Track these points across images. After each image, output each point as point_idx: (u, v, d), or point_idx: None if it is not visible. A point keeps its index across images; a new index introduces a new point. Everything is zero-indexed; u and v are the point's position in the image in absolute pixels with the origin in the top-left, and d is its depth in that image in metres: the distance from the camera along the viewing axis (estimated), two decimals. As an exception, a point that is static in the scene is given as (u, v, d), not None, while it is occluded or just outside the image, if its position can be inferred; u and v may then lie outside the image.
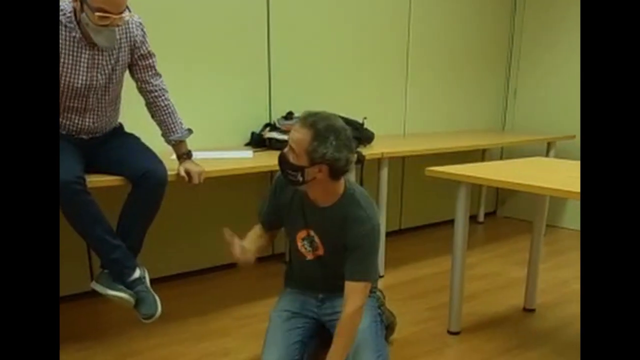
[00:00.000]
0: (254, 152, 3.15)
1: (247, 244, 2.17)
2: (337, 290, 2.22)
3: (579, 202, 4.55)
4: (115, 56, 2.23)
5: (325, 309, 2.27)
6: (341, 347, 2.03)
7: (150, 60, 2.34)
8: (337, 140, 1.93)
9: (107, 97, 2.29)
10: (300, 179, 1.99)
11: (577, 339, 2.63)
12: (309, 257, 2.23)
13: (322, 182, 2.01)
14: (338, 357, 2.02)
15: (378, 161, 3.32)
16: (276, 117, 3.45)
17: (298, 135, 1.94)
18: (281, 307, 2.31)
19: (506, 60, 5.03)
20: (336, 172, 1.99)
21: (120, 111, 2.47)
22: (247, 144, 3.44)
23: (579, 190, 2.09)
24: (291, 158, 1.98)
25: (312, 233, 2.18)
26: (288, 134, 3.15)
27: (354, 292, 2.05)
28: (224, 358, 2.41)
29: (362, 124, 3.44)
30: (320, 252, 2.20)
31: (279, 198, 2.23)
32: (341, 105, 3.68)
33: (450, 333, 2.67)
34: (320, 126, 1.92)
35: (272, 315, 2.30)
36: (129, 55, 2.29)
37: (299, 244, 2.23)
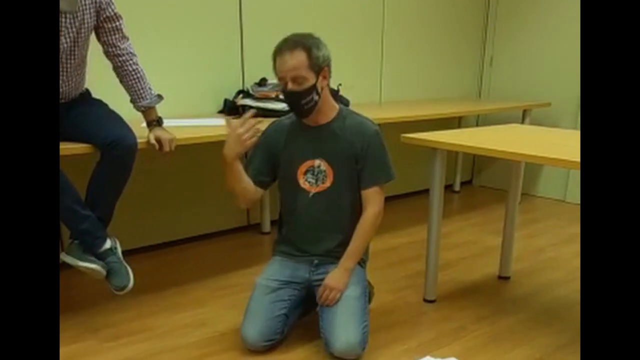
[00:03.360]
0: (227, 119, 3.07)
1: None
2: (331, 255, 2.21)
3: (554, 171, 4.59)
4: (79, 19, 2.13)
5: (319, 274, 2.24)
6: (361, 247, 2.22)
7: (117, 23, 2.24)
8: (318, 41, 2.06)
9: (72, 61, 2.19)
10: (317, 96, 2.07)
11: (552, 306, 2.65)
12: (313, 190, 2.20)
13: (325, 90, 2.11)
14: (357, 255, 2.22)
15: (354, 129, 3.27)
16: (249, 83, 3.37)
17: (293, 62, 2.00)
18: (269, 275, 2.26)
19: (482, 28, 4.99)
20: (330, 71, 2.11)
21: (87, 76, 2.37)
22: (220, 112, 3.37)
23: (555, 156, 2.08)
24: (299, 86, 2.03)
25: (317, 162, 2.18)
26: (262, 102, 3.15)
27: (375, 196, 2.19)
28: (200, 329, 2.38)
29: (338, 91, 3.38)
30: (328, 183, 2.19)
31: (273, 145, 2.22)
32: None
33: (426, 301, 2.67)
34: (301, 38, 2.04)
35: (258, 283, 2.25)
36: (95, 18, 2.19)
37: (301, 180, 2.20)
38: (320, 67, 2.05)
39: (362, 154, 2.15)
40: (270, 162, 2.24)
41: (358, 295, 2.17)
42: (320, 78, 2.07)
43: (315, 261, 2.25)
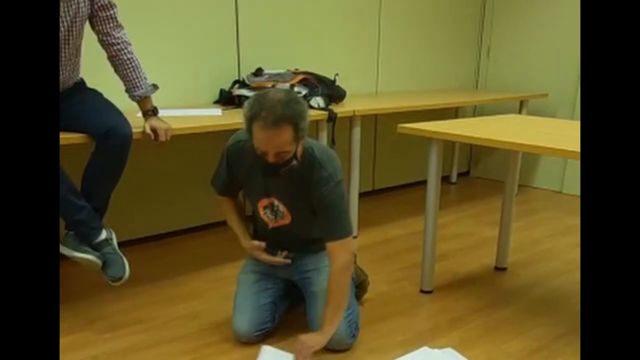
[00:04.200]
0: (223, 109, 3.06)
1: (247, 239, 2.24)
2: (306, 251, 2.20)
3: (551, 163, 4.59)
4: (74, 7, 2.11)
5: (296, 267, 2.23)
6: (335, 304, 2.02)
7: (111, 11, 2.22)
8: (303, 106, 1.87)
9: (67, 51, 2.17)
10: (295, 162, 1.93)
11: (548, 297, 2.65)
12: (271, 224, 2.17)
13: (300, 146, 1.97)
14: (334, 315, 2.01)
15: (350, 119, 3.27)
16: (245, 73, 3.35)
17: (279, 140, 1.83)
18: (249, 269, 2.28)
19: (480, 18, 4.97)
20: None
21: (82, 65, 2.35)
22: (216, 102, 3.34)
23: (553, 146, 2.07)
24: (281, 159, 1.88)
25: (276, 202, 2.11)
26: (258, 92, 3.12)
27: (337, 250, 2.02)
28: (194, 321, 2.37)
29: (334, 81, 3.36)
30: (287, 220, 2.14)
31: (234, 169, 2.14)
32: (312, 62, 3.59)
33: (423, 292, 2.67)
34: (289, 111, 1.81)
35: (240, 278, 2.27)
36: (89, 6, 2.16)
37: (261, 211, 2.17)
38: (303, 135, 1.90)
39: (320, 208, 2.03)
40: (235, 183, 2.20)
41: None
42: (301, 143, 1.93)
43: (291, 255, 2.24)
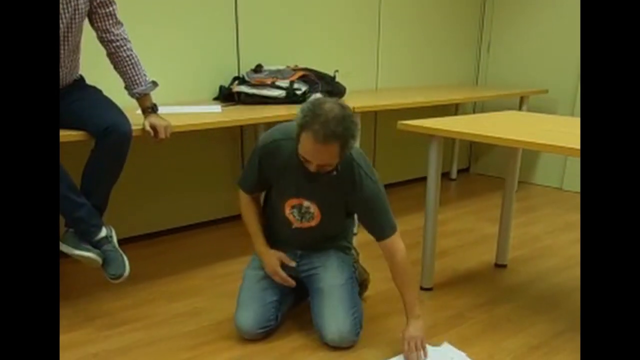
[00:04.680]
0: (223, 106, 3.05)
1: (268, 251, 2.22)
2: (315, 248, 2.20)
3: (551, 159, 4.58)
4: (73, 4, 2.10)
5: (303, 265, 2.24)
6: (413, 293, 2.13)
7: (110, 8, 2.21)
8: (355, 126, 1.85)
9: (66, 47, 2.16)
10: (335, 172, 1.95)
11: (548, 293, 2.65)
12: (297, 225, 2.17)
13: None
14: (415, 302, 2.11)
15: (350, 116, 3.25)
16: (245, 70, 3.34)
17: (326, 156, 1.83)
18: (257, 265, 2.26)
19: (480, 14, 4.96)
20: None
21: (81, 62, 2.34)
22: (216, 99, 3.34)
23: (553, 143, 2.07)
24: (324, 170, 1.90)
25: (306, 203, 2.10)
26: (258, 88, 3.12)
27: (395, 244, 2.10)
28: (195, 318, 2.37)
29: (334, 78, 3.36)
30: (314, 222, 2.13)
31: (266, 168, 2.11)
32: (312, 58, 3.59)
33: (423, 289, 2.67)
34: (341, 129, 1.79)
35: (246, 274, 2.26)
36: (88, 3, 2.16)
37: (287, 210, 2.15)
38: (349, 151, 1.92)
39: (364, 209, 2.08)
40: (266, 183, 2.17)
41: (343, 283, 2.16)
42: (344, 157, 1.93)
43: (299, 252, 2.25)
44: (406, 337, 2.05)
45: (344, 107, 1.84)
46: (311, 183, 1.97)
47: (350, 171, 2.01)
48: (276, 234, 2.25)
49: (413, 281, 2.16)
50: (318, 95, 3.13)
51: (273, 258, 2.18)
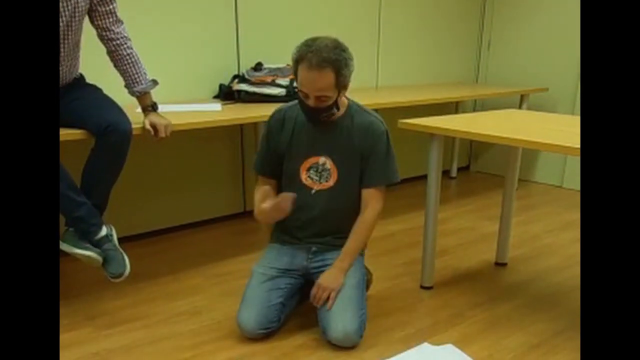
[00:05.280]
0: (223, 104, 3.05)
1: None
2: (331, 244, 2.20)
3: (551, 157, 4.58)
4: (73, 2, 2.10)
5: (316, 262, 2.24)
6: (358, 247, 2.19)
7: (111, 6, 2.21)
8: (348, 55, 1.97)
9: (66, 46, 2.16)
10: (336, 110, 2.03)
11: (548, 292, 2.65)
12: (316, 187, 2.17)
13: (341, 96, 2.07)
14: (353, 255, 2.17)
15: (351, 115, 3.25)
16: (245, 68, 3.34)
17: (321, 83, 1.93)
18: (267, 263, 2.24)
19: (480, 12, 4.95)
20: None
21: (81, 60, 2.34)
22: (216, 97, 3.33)
23: (553, 142, 2.06)
24: (322, 103, 1.97)
25: (322, 160, 2.14)
26: (258, 86, 3.12)
27: (374, 198, 2.15)
28: (197, 316, 2.37)
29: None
30: (332, 181, 2.16)
31: (276, 137, 2.17)
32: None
33: (423, 288, 2.67)
34: (331, 54, 1.91)
35: (255, 271, 2.24)
36: (88, 1, 2.15)
37: (304, 176, 2.16)
38: (345, 83, 2.00)
39: (368, 154, 2.12)
40: (278, 157, 2.20)
41: (355, 284, 2.16)
42: (342, 92, 2.03)
43: (314, 248, 2.24)
44: (321, 282, 2.10)
45: (336, 40, 1.97)
46: (321, 131, 2.07)
47: (358, 116, 2.12)
48: (295, 217, 2.18)
49: (364, 239, 2.20)
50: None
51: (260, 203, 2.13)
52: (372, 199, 2.15)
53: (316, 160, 2.14)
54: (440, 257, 2.99)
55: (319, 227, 2.22)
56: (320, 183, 2.16)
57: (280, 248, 2.28)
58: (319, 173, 2.14)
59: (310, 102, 1.97)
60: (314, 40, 1.95)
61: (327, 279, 2.12)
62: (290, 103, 2.22)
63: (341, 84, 1.97)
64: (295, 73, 1.98)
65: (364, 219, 2.16)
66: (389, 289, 2.67)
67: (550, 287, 2.71)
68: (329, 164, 2.13)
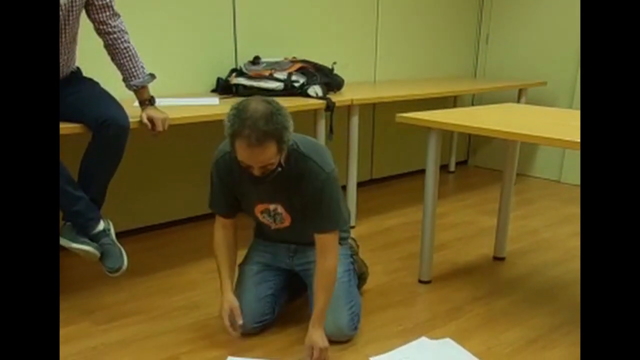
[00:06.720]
0: (221, 98, 3.04)
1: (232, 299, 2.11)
2: (309, 243, 2.18)
3: (549, 152, 4.58)
4: (70, -5, 2.08)
5: (298, 259, 2.23)
6: (328, 300, 2.02)
7: (107, 0, 2.20)
8: (285, 117, 1.79)
9: (63, 39, 2.14)
10: (279, 168, 1.88)
11: (546, 286, 2.65)
12: (273, 226, 2.15)
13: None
14: (328, 302, 2.02)
15: (348, 108, 3.25)
16: (243, 62, 3.32)
17: (265, 156, 1.77)
18: (251, 260, 2.26)
19: (478, 6, 4.94)
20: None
21: (78, 54, 2.33)
22: (213, 91, 3.32)
23: (552, 135, 2.06)
24: (267, 170, 1.83)
25: (272, 206, 2.07)
26: (256, 80, 3.11)
27: (327, 246, 2.01)
28: (193, 311, 2.37)
29: (332, 70, 3.34)
30: (287, 222, 2.10)
31: (226, 181, 2.07)
32: (310, 50, 3.57)
33: (421, 282, 2.67)
34: (271, 126, 1.74)
35: (241, 269, 2.26)
36: (84, -5, 2.14)
37: (260, 216, 2.13)
38: (287, 145, 1.84)
39: (312, 202, 1.98)
40: (230, 197, 2.12)
41: (338, 277, 2.11)
42: (284, 151, 1.87)
43: (293, 247, 2.23)
44: (314, 344, 1.98)
45: (269, 102, 1.79)
46: (263, 185, 1.91)
47: (298, 164, 1.95)
48: (266, 234, 2.24)
49: (332, 289, 2.03)
50: (316, 87, 3.12)
51: (226, 305, 2.09)
52: (325, 247, 2.02)
53: (267, 207, 2.08)
54: (438, 251, 2.99)
55: (292, 240, 2.21)
56: (276, 223, 2.12)
57: (262, 244, 2.28)
58: (272, 217, 2.10)
59: (255, 172, 1.83)
60: (245, 108, 1.76)
61: (318, 340, 2.00)
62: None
63: (283, 148, 1.83)
64: (233, 146, 1.80)
65: (326, 270, 2.01)
66: (387, 283, 2.67)
67: (548, 281, 2.72)
68: (280, 209, 2.07)
